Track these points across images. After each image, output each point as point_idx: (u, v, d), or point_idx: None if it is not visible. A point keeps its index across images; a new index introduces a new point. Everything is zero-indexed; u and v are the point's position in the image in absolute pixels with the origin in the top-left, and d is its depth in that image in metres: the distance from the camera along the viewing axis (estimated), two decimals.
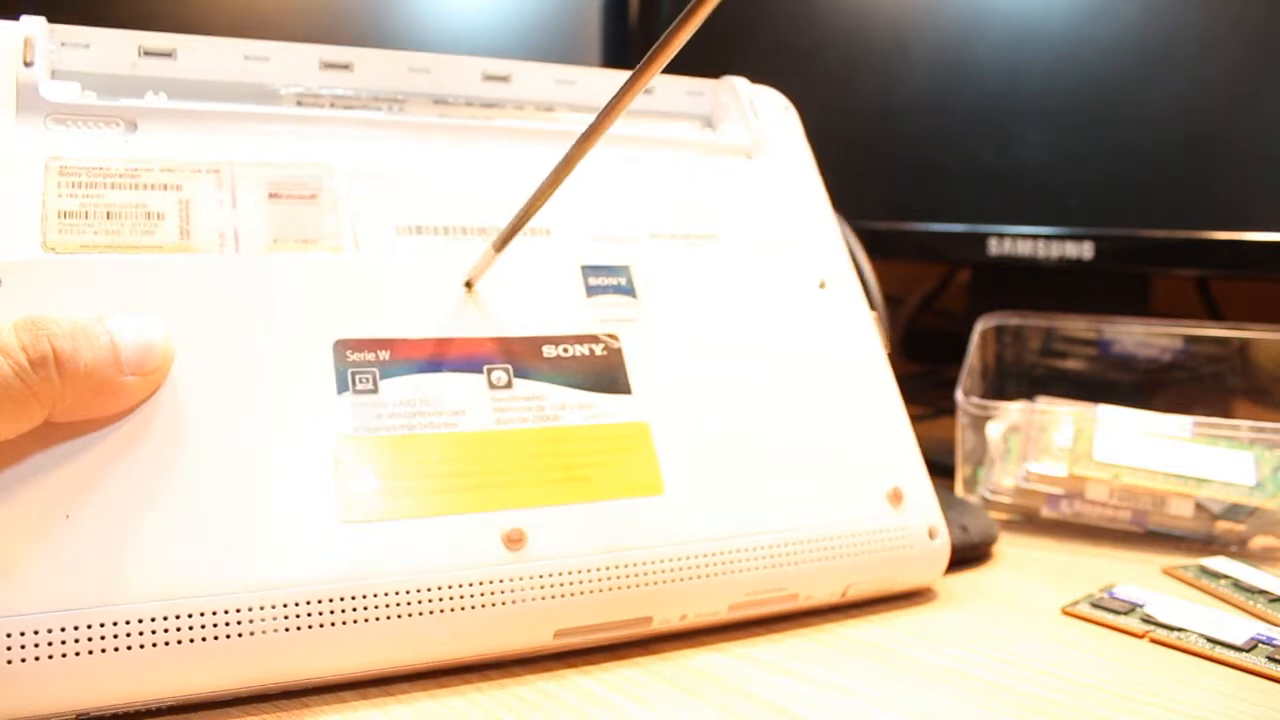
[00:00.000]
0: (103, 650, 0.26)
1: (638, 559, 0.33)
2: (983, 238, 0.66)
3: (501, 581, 0.31)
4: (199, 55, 0.36)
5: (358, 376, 0.32)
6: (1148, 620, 0.36)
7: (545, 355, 0.34)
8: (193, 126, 0.34)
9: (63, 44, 0.34)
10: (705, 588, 0.34)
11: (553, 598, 0.31)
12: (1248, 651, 0.34)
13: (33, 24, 0.33)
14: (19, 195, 0.30)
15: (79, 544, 0.27)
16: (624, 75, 0.42)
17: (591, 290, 0.36)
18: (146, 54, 0.35)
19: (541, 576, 0.31)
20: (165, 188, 0.32)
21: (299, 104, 0.37)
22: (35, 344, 0.26)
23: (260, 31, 0.40)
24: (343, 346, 0.32)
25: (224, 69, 0.36)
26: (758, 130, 0.43)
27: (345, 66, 0.38)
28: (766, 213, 0.41)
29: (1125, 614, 0.37)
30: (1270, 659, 0.33)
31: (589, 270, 0.37)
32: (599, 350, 0.35)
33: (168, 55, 0.36)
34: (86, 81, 0.34)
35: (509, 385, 0.33)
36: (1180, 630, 0.35)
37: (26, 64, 0.32)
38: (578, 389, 0.34)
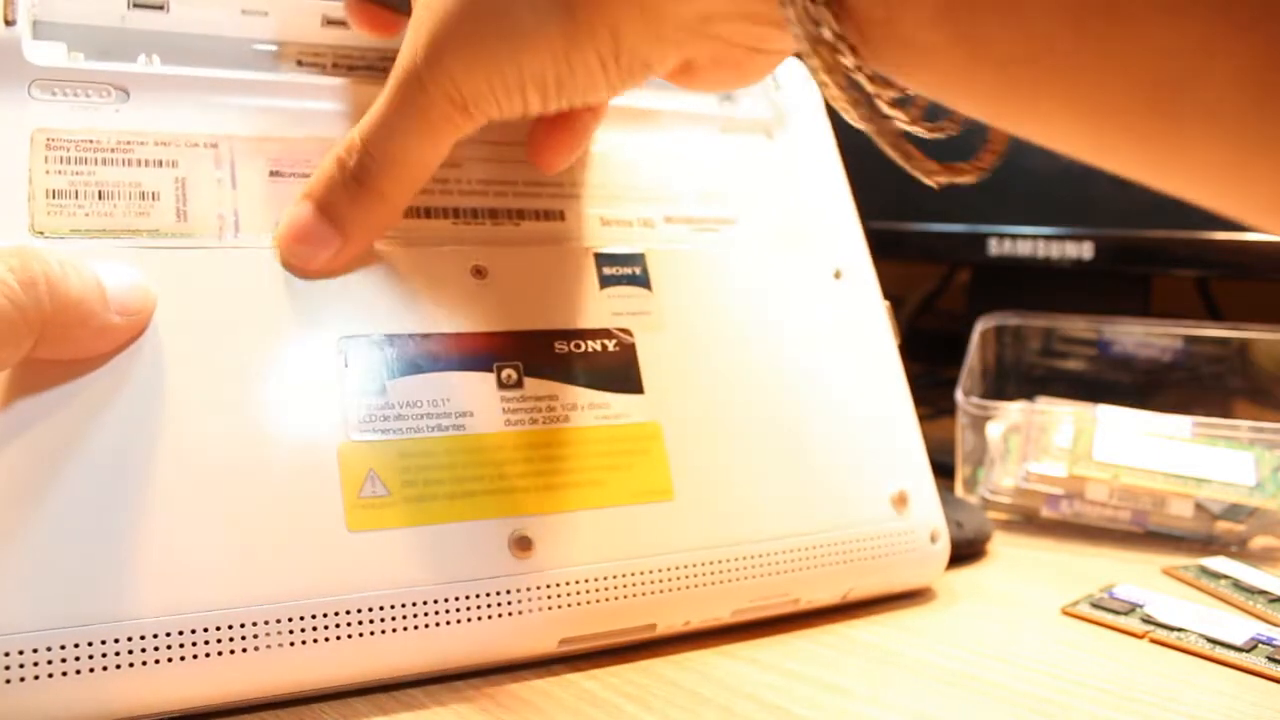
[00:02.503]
0: (104, 668, 0.26)
1: (645, 567, 0.32)
2: (983, 238, 0.66)
3: (508, 592, 0.30)
4: (193, 7, 0.34)
5: (364, 375, 0.31)
6: (1148, 620, 0.36)
7: (556, 351, 0.33)
8: (188, 94, 0.32)
9: None
10: (710, 595, 0.33)
11: (559, 607, 0.31)
12: (1248, 651, 0.34)
13: None
14: (4, 172, 0.29)
15: (77, 557, 0.26)
16: None
17: (605, 281, 0.35)
18: (136, 6, 0.33)
19: (548, 586, 0.31)
20: (160, 164, 0.31)
21: (299, 63, 0.35)
22: (24, 267, 0.25)
23: None
24: (348, 343, 0.31)
25: (219, 23, 0.34)
26: (779, 104, 0.41)
27: (348, 23, 0.36)
28: (785, 197, 0.40)
29: (1125, 614, 0.37)
30: (1270, 659, 0.33)
31: (603, 259, 0.35)
32: (611, 346, 0.34)
33: (159, 8, 0.33)
34: (72, 39, 0.31)
35: (519, 384, 0.32)
36: (1180, 630, 0.35)
37: (8, 23, 0.30)
38: (589, 388, 0.33)
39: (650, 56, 0.27)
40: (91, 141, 0.30)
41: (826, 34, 0.22)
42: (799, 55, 0.23)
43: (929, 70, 0.22)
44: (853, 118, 0.24)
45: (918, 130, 0.24)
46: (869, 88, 0.23)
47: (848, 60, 0.22)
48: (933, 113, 0.25)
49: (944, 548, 0.38)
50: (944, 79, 0.22)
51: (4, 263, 0.25)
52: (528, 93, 0.28)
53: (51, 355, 0.27)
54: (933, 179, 0.25)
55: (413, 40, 0.29)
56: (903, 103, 0.24)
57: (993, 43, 0.20)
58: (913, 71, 0.22)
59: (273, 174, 0.32)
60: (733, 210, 0.39)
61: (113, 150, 0.30)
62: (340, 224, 0.30)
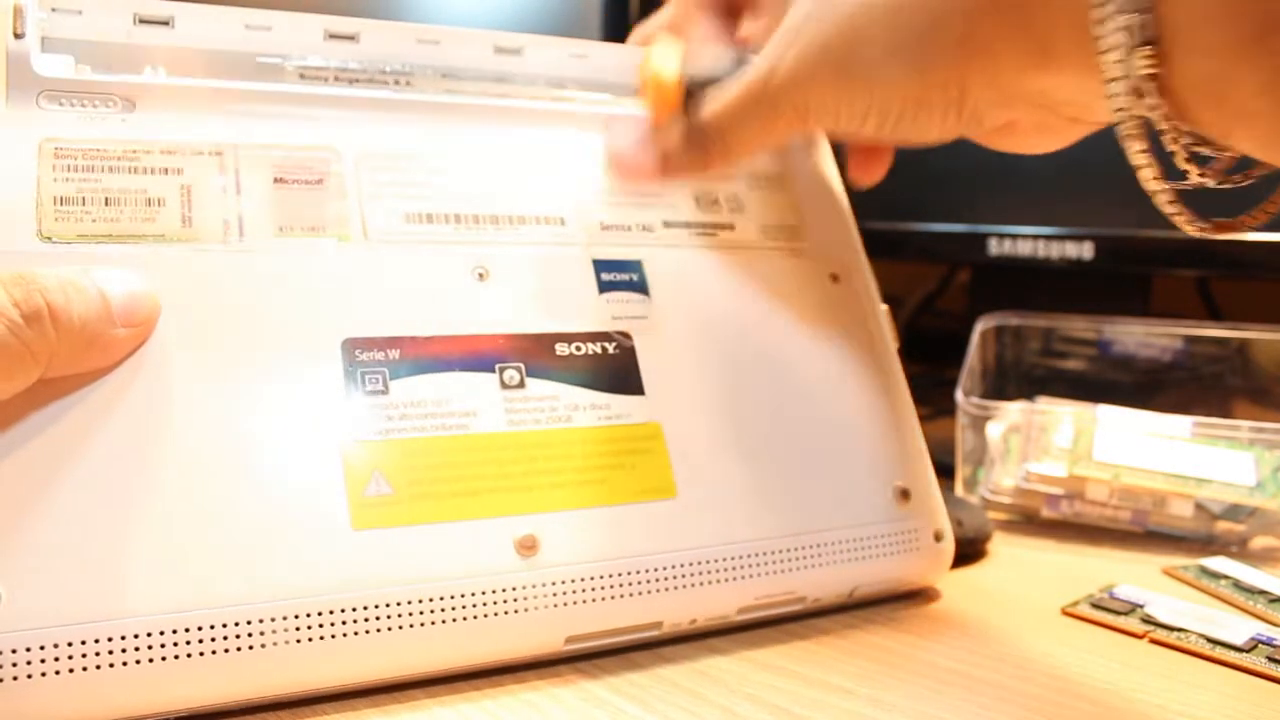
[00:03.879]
0: (110, 665, 0.26)
1: (650, 565, 0.32)
2: (983, 238, 0.66)
3: (513, 589, 0.30)
4: (197, 23, 0.34)
5: (367, 377, 0.31)
6: (1148, 620, 0.36)
7: (558, 353, 0.34)
8: (193, 105, 0.32)
9: (53, 10, 0.32)
10: (716, 593, 0.33)
11: (564, 605, 0.31)
12: (1248, 651, 0.34)
13: None
14: (12, 180, 0.29)
15: (79, 556, 0.26)
16: (636, 50, 0.42)
17: (604, 286, 0.36)
18: (142, 22, 0.33)
19: (553, 584, 0.31)
20: (166, 171, 0.31)
21: (302, 77, 0.36)
22: (28, 299, 0.26)
23: (261, 1, 0.38)
24: (351, 346, 0.31)
25: (224, 38, 0.35)
26: None
27: (351, 37, 0.36)
28: (781, 203, 0.41)
29: (1125, 614, 0.37)
30: (1270, 659, 0.33)
31: (601, 265, 0.36)
32: (611, 349, 0.35)
33: (164, 24, 0.34)
34: (80, 53, 0.32)
35: (521, 385, 0.33)
36: (1180, 630, 0.35)
37: (17, 35, 0.30)
38: (590, 389, 0.34)
39: (986, 116, 0.30)
40: (98, 150, 0.31)
41: (1148, 107, 0.24)
42: (1117, 122, 0.25)
43: (1249, 131, 0.24)
44: (1145, 177, 0.26)
45: (1206, 182, 0.27)
46: (1179, 153, 0.25)
47: (1165, 127, 0.24)
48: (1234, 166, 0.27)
49: (948, 546, 0.38)
50: (1265, 138, 0.24)
51: (6, 292, 0.25)
52: (869, 119, 0.31)
53: (59, 375, 0.27)
54: (1203, 234, 0.27)
55: (776, 54, 0.32)
56: (1201, 160, 0.26)
57: None
58: (1229, 133, 0.24)
59: (277, 180, 0.32)
60: (730, 215, 0.39)
61: (119, 159, 0.31)
62: (668, 168, 0.35)
